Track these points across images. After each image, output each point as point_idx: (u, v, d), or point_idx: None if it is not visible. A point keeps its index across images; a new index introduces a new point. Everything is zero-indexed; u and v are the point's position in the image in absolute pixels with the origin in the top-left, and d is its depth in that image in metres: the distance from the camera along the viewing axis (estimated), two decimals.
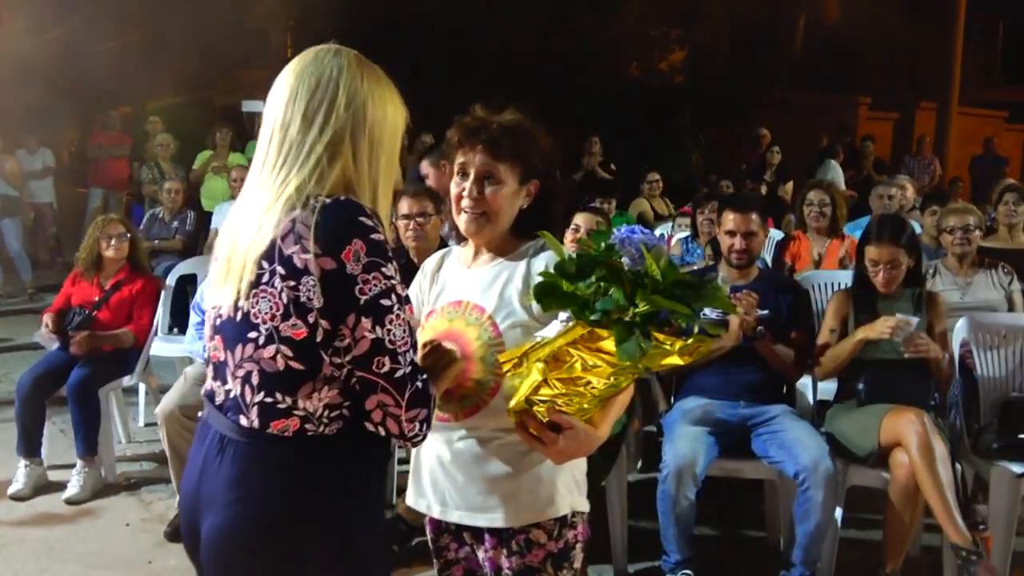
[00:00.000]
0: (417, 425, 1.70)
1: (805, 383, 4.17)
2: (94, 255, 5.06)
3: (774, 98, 15.42)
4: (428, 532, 2.32)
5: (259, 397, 1.68)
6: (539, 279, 1.95)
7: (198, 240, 7.89)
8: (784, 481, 3.75)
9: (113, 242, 5.02)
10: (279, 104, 1.76)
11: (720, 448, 3.72)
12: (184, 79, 19.31)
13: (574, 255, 1.92)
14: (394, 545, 3.90)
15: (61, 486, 4.65)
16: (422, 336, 2.20)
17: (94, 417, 4.72)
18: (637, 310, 1.80)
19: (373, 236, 1.64)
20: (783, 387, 4.07)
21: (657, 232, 7.80)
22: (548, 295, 1.88)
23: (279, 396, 1.67)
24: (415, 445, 1.75)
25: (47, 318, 4.97)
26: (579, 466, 2.20)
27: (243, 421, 1.70)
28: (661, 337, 1.82)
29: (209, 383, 1.82)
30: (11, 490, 4.57)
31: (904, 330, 3.60)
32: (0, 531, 4.22)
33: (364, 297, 1.63)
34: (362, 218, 1.65)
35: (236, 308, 1.70)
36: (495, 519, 2.12)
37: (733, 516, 4.47)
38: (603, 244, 1.88)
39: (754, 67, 16.61)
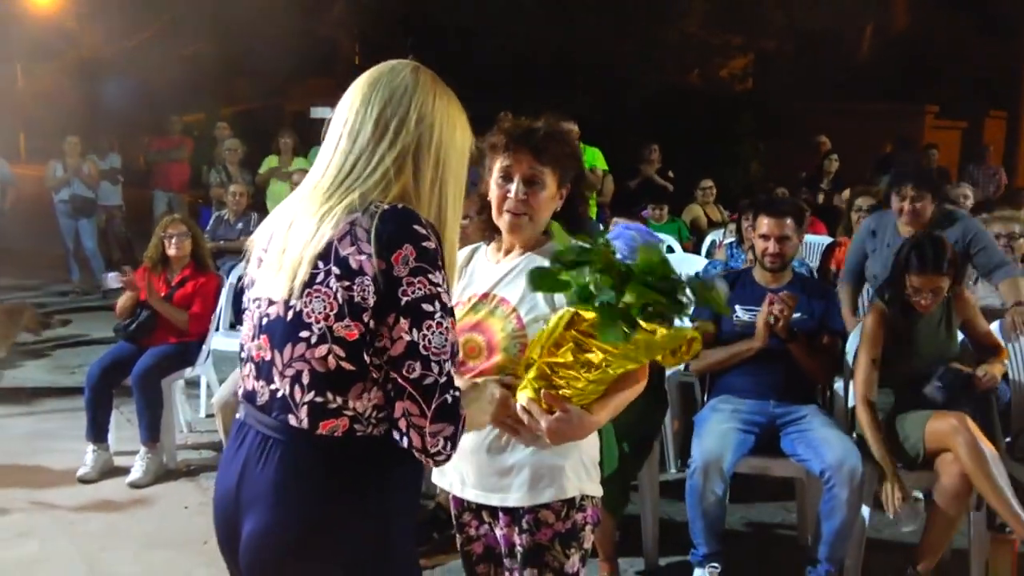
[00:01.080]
0: (442, 441, 1.65)
1: (841, 386, 4.22)
2: (159, 253, 5.33)
3: (837, 106, 15.28)
4: (452, 509, 2.47)
5: (309, 396, 1.68)
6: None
7: None
8: (811, 479, 3.82)
9: (175, 241, 5.28)
10: (351, 110, 1.77)
11: (750, 446, 3.79)
12: (256, 86, 19.86)
13: (575, 245, 2.05)
14: (434, 533, 4.06)
15: (126, 470, 4.89)
16: None
17: (157, 405, 4.98)
18: (625, 299, 1.92)
19: (424, 244, 1.65)
20: (814, 388, 4.11)
21: (709, 238, 7.91)
22: (541, 279, 2.01)
23: (330, 396, 1.67)
24: (438, 464, 1.70)
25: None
26: (588, 452, 2.31)
27: (292, 420, 1.69)
28: (648, 326, 1.93)
29: (250, 383, 1.80)
30: (79, 473, 4.83)
31: (908, 514, 3.57)
32: (66, 512, 4.48)
33: (406, 298, 1.62)
34: (417, 226, 1.65)
35: (287, 307, 1.69)
36: (507, 499, 2.26)
37: (765, 512, 4.56)
38: (601, 239, 2.01)
39: (818, 75, 16.46)
